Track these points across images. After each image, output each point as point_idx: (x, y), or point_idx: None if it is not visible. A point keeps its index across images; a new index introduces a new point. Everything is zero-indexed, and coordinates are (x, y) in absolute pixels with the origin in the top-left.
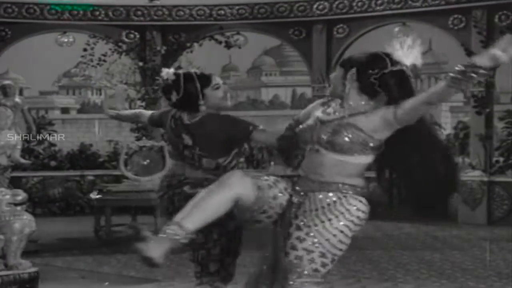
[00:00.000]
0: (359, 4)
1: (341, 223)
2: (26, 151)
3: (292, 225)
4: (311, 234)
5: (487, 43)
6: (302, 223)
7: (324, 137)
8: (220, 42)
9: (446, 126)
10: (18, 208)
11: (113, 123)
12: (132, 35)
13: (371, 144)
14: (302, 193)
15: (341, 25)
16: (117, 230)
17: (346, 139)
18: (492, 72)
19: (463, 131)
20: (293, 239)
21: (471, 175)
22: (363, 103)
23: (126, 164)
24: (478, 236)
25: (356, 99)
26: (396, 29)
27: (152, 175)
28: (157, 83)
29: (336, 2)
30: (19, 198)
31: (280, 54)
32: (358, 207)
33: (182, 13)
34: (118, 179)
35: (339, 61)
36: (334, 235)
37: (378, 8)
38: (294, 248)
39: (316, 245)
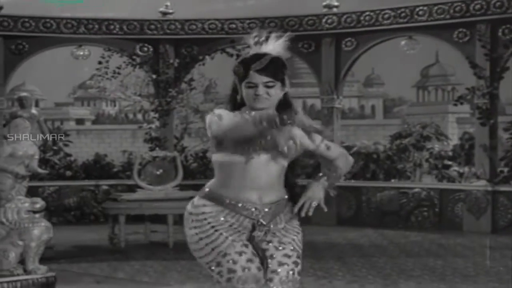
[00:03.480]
0: (367, 18)
1: (300, 235)
2: (42, 161)
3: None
4: (291, 248)
5: (491, 56)
6: (281, 244)
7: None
8: (232, 55)
9: (453, 137)
10: (37, 215)
11: (127, 134)
12: (145, 48)
13: None
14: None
15: (349, 38)
16: (131, 238)
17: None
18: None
19: (468, 141)
20: (279, 257)
21: (476, 185)
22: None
23: (139, 174)
24: (481, 244)
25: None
26: (403, 42)
27: (165, 184)
28: (170, 95)
29: (345, 16)
30: (38, 205)
31: (291, 66)
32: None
33: (194, 27)
34: (132, 188)
35: (276, 75)
36: (301, 247)
37: (385, 22)
38: (281, 264)
39: (296, 254)
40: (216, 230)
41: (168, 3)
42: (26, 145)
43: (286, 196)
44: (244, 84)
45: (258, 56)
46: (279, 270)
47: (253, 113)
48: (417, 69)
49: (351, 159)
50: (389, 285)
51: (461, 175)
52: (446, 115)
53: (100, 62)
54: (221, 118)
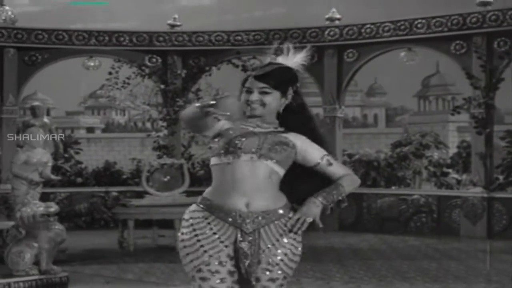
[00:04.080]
0: (368, 30)
1: (298, 250)
2: (54, 168)
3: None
4: (279, 270)
5: (486, 67)
6: (267, 264)
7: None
8: (237, 66)
9: (453, 145)
10: (51, 219)
11: (136, 142)
12: (154, 59)
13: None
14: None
15: (351, 50)
16: (139, 242)
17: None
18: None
19: (466, 150)
20: (264, 282)
21: (472, 191)
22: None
23: (148, 181)
24: (476, 248)
25: (273, 116)
26: (402, 54)
27: (172, 190)
28: (178, 104)
29: (346, 29)
30: (52, 209)
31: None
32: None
33: (201, 38)
34: (140, 194)
35: (275, 83)
36: (296, 262)
37: (385, 34)
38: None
39: (284, 275)
40: (198, 240)
41: (176, 16)
42: (40, 152)
43: (281, 209)
44: (243, 90)
45: (265, 65)
46: None
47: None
48: (418, 79)
49: (356, 179)
50: (383, 286)
51: (459, 182)
52: (446, 124)
53: (110, 73)
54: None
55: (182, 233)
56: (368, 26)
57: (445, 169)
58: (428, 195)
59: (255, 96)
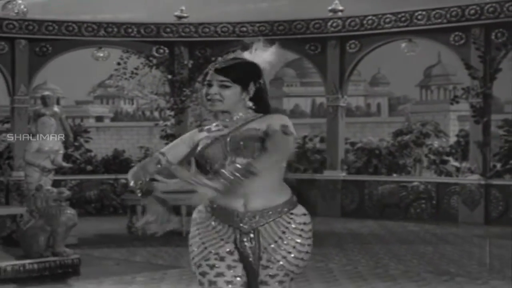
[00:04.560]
0: (370, 22)
1: (305, 247)
2: (65, 156)
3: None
4: (279, 267)
5: (484, 58)
6: (268, 262)
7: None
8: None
9: (454, 134)
10: (63, 203)
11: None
12: (161, 50)
13: None
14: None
15: (353, 41)
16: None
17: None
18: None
19: (465, 138)
20: (263, 276)
21: (470, 179)
22: (249, 111)
23: None
24: (473, 234)
25: (244, 110)
26: (403, 44)
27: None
28: (185, 94)
29: (349, 20)
30: (64, 195)
31: (301, 66)
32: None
33: (207, 30)
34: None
35: (236, 77)
36: (302, 259)
37: (386, 25)
38: (263, 283)
39: (285, 272)
40: (200, 238)
41: (183, 8)
42: (51, 141)
43: (282, 206)
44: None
45: (228, 59)
46: None
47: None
48: (421, 69)
49: (281, 143)
50: (379, 267)
51: (458, 169)
52: (447, 113)
53: (118, 63)
54: (168, 150)
55: (190, 233)
56: (370, 17)
57: (444, 157)
58: (427, 182)
59: (214, 90)
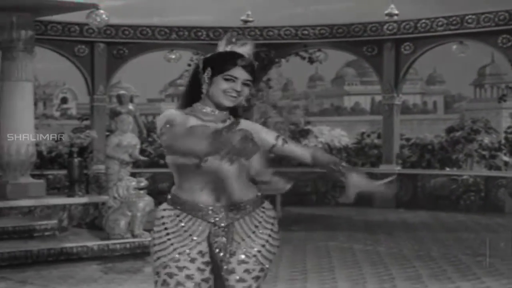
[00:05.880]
0: (423, 25)
1: (276, 241)
2: (140, 150)
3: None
4: (255, 261)
5: None
6: (244, 256)
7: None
8: (304, 58)
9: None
10: (141, 191)
11: None
12: None
13: None
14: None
15: (408, 43)
16: None
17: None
18: None
19: None
20: (240, 273)
21: None
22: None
23: None
24: None
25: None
26: (454, 46)
27: None
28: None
29: (404, 23)
30: (142, 184)
31: (361, 65)
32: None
33: (271, 33)
34: None
35: (253, 77)
36: (274, 253)
37: (439, 28)
38: (240, 281)
39: (260, 267)
40: (168, 239)
41: (249, 12)
42: (129, 136)
43: (253, 200)
44: (221, 77)
45: (240, 54)
46: (236, 286)
47: (212, 123)
48: (475, 68)
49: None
50: (422, 250)
51: (506, 164)
52: (500, 110)
53: (189, 64)
54: (173, 125)
55: (154, 232)
56: (423, 21)
57: (493, 152)
58: (476, 176)
59: (239, 86)
